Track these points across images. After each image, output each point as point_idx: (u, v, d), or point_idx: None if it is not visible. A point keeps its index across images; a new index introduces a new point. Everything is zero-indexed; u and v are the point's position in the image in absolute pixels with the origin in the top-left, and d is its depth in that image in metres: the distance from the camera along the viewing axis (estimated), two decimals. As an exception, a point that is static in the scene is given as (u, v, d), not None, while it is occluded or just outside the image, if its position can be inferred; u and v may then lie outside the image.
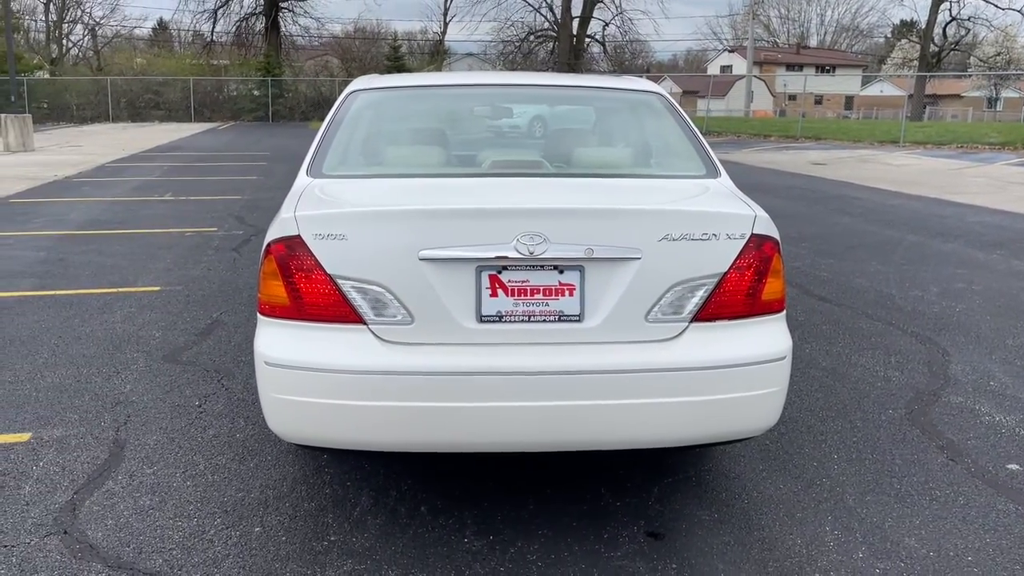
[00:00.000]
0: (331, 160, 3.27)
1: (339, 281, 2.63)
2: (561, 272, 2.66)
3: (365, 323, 2.65)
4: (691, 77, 68.87)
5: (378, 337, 2.65)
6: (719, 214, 2.77)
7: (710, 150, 3.47)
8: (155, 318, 5.62)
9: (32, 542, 2.84)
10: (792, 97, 67.68)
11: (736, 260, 2.74)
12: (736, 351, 2.72)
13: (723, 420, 2.73)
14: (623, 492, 3.25)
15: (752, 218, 2.77)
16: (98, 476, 3.32)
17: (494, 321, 2.65)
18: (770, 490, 3.30)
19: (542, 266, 2.65)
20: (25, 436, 3.69)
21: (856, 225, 10.09)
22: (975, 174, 16.92)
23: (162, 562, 2.74)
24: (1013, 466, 3.53)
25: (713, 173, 3.32)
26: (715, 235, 2.72)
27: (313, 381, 2.61)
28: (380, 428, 2.63)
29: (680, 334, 2.72)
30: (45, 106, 38.83)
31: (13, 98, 20.70)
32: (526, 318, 2.66)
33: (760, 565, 2.78)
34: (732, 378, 2.70)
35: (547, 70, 39.32)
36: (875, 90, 71.95)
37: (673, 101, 3.76)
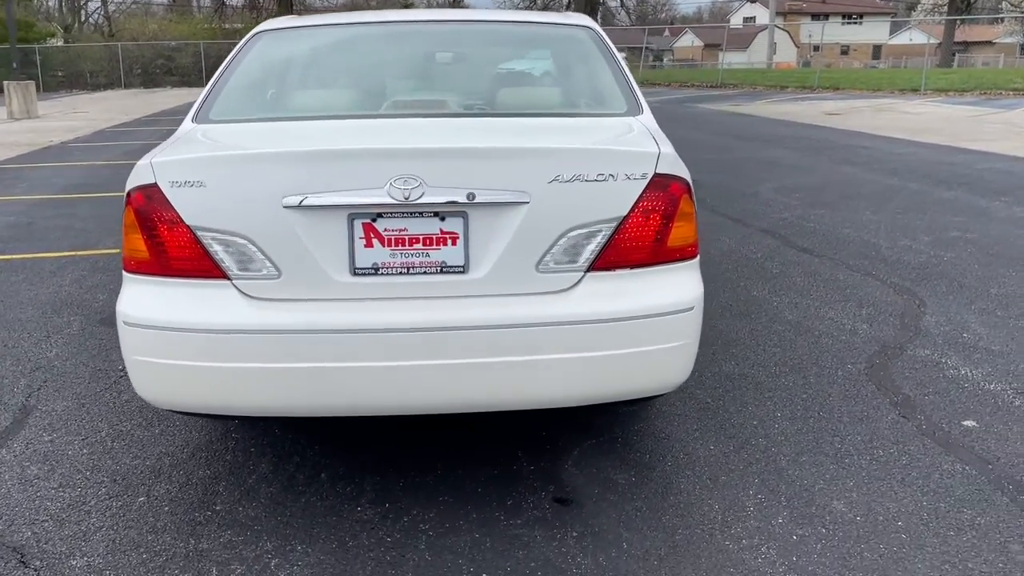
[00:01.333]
0: (221, 105, 3.04)
1: (199, 233, 2.42)
2: (443, 219, 2.43)
3: (228, 278, 2.44)
4: (713, 30, 67.40)
5: (243, 293, 2.44)
6: (616, 152, 2.52)
7: (635, 86, 3.20)
8: (105, 281, 5.47)
9: (-99, 515, 2.70)
10: (817, 48, 66.15)
11: (637, 203, 2.49)
12: (637, 302, 2.48)
13: (625, 377, 2.51)
14: (540, 455, 3.05)
15: (655, 156, 2.52)
16: (-7, 444, 3.18)
17: (369, 274, 2.44)
18: (699, 451, 3.08)
19: (421, 213, 2.42)
20: (-68, 403, 3.55)
21: (857, 174, 9.72)
22: (994, 121, 16.34)
23: (30, 535, 2.59)
24: (969, 422, 3.28)
25: (635, 111, 3.07)
26: (612, 176, 2.47)
27: (174, 341, 2.42)
28: (249, 392, 2.43)
29: (575, 284, 2.49)
30: (60, 74, 38.79)
31: (15, 65, 20.56)
32: (405, 270, 2.45)
33: (668, 533, 2.57)
34: (633, 331, 2.47)
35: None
36: (904, 39, 70.01)
37: (603, 35, 3.48)
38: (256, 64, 3.31)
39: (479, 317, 2.41)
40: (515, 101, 3.17)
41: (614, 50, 3.41)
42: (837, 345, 4.14)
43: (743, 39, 63.98)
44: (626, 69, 3.30)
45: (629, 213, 2.49)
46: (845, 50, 73.35)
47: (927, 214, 7.33)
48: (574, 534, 2.57)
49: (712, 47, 58.62)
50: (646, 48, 53.00)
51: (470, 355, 2.40)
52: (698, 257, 2.67)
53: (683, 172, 2.58)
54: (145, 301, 2.47)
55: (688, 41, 75.52)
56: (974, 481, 2.84)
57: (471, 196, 2.39)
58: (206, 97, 3.08)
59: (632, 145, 2.58)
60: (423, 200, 2.38)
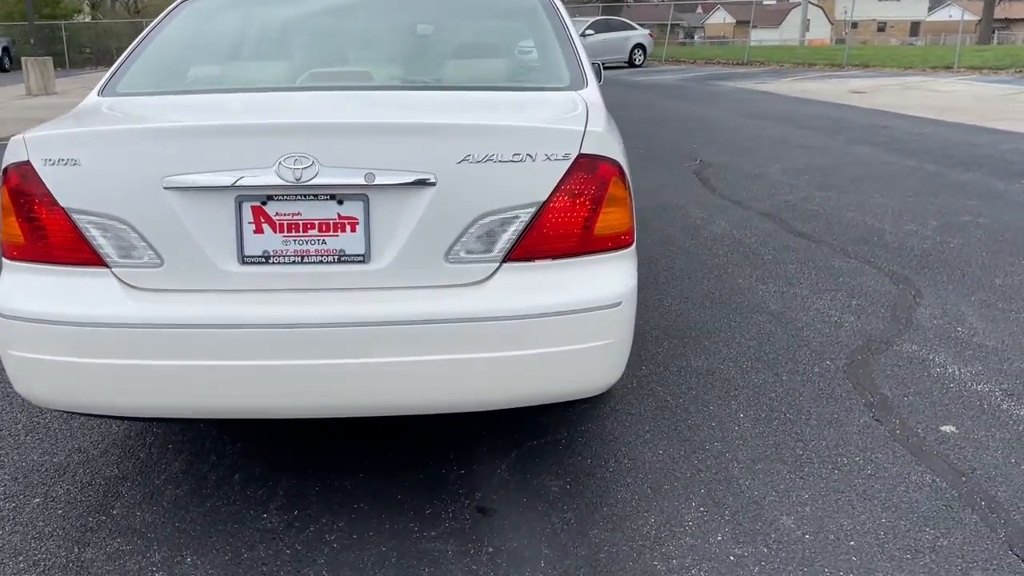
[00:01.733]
0: (131, 77, 2.83)
1: (75, 216, 2.21)
2: (340, 203, 2.20)
3: (108, 266, 2.23)
4: (745, 7, 66.15)
5: (123, 283, 2.23)
6: (535, 130, 2.27)
7: (583, 57, 2.93)
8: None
9: None
10: (854, 25, 64.69)
11: (559, 186, 2.24)
12: (558, 296, 2.24)
13: (541, 380, 2.27)
14: (474, 457, 2.82)
15: (579, 134, 2.26)
16: (-100, 436, 3.02)
17: (259, 262, 2.22)
18: (646, 455, 2.84)
19: (316, 196, 2.19)
20: None
21: (873, 155, 9.32)
22: (1026, 99, 15.72)
23: (-93, 539, 2.41)
24: (947, 427, 3.00)
25: (579, 84, 2.80)
26: (530, 156, 2.22)
27: (50, 335, 2.22)
28: (131, 392, 2.23)
29: (489, 277, 2.25)
30: (87, 51, 38.90)
31: (32, 41, 20.55)
32: (299, 259, 2.22)
33: (593, 550, 2.34)
34: (551, 329, 2.22)
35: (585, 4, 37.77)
36: (943, 15, 68.22)
37: (555, 2, 3.21)
38: (178, 32, 3.08)
39: (379, 312, 2.18)
40: (449, 73, 2.92)
41: (566, 19, 3.14)
42: (819, 339, 3.86)
43: (775, 16, 62.77)
44: (576, 39, 3.03)
45: (550, 198, 2.24)
46: (882, 27, 71.74)
47: (939, 197, 6.96)
48: (489, 550, 2.35)
49: (744, 24, 57.46)
50: (676, 25, 52.15)
51: (367, 354, 2.17)
52: (633, 247, 2.42)
53: (614, 153, 2.32)
54: (20, 291, 2.27)
55: (720, 18, 74.27)
56: (943, 495, 2.58)
57: (370, 177, 2.15)
58: (117, 68, 2.86)
59: (555, 122, 2.32)
60: (316, 181, 2.15)
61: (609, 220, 2.32)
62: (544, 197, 2.24)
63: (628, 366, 3.53)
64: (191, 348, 2.17)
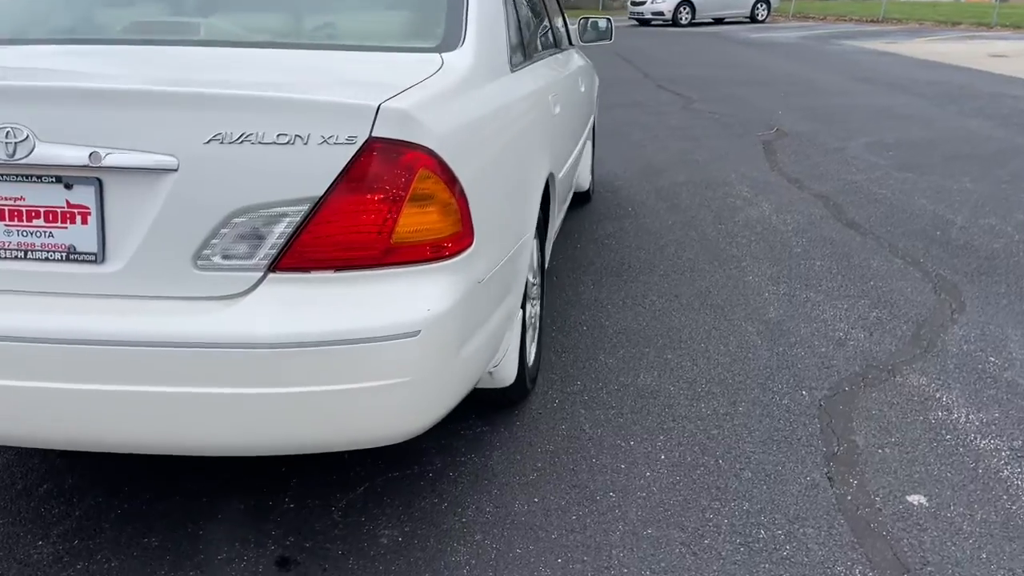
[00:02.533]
0: None
1: None
2: (69, 187, 1.77)
3: None
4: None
5: None
6: (306, 104, 1.76)
7: (470, 11, 2.38)
8: None
9: None
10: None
11: (342, 178, 1.74)
12: (331, 320, 1.75)
13: (305, 425, 1.79)
14: (315, 489, 2.39)
15: (370, 112, 1.74)
16: None
17: (-23, 256, 1.82)
18: (517, 504, 2.33)
19: (39, 177, 1.77)
20: None
21: (983, 130, 8.21)
22: None
23: None
24: (916, 498, 2.35)
25: (452, 43, 2.26)
26: (301, 137, 1.73)
27: None
28: None
29: (250, 289, 1.78)
30: None
31: None
32: (21, 254, 1.81)
33: (379, 635, 1.87)
34: (317, 361, 1.74)
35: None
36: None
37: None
38: None
39: (106, 330, 1.74)
40: (305, 27, 2.43)
41: None
42: (807, 359, 3.20)
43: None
44: None
45: (329, 192, 1.75)
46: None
47: (1040, 185, 5.97)
48: (256, 620, 1.91)
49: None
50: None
51: (92, 379, 1.74)
52: (456, 259, 1.89)
53: (425, 138, 1.79)
54: None
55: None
56: (866, 602, 1.97)
57: (96, 157, 1.71)
58: None
59: (340, 94, 1.80)
60: (33, 159, 1.72)
61: (416, 224, 1.80)
62: (321, 192, 1.75)
63: (561, 379, 3.01)
64: None
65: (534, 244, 2.70)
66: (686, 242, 4.65)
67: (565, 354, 3.25)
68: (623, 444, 2.63)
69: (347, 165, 1.74)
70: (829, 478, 2.44)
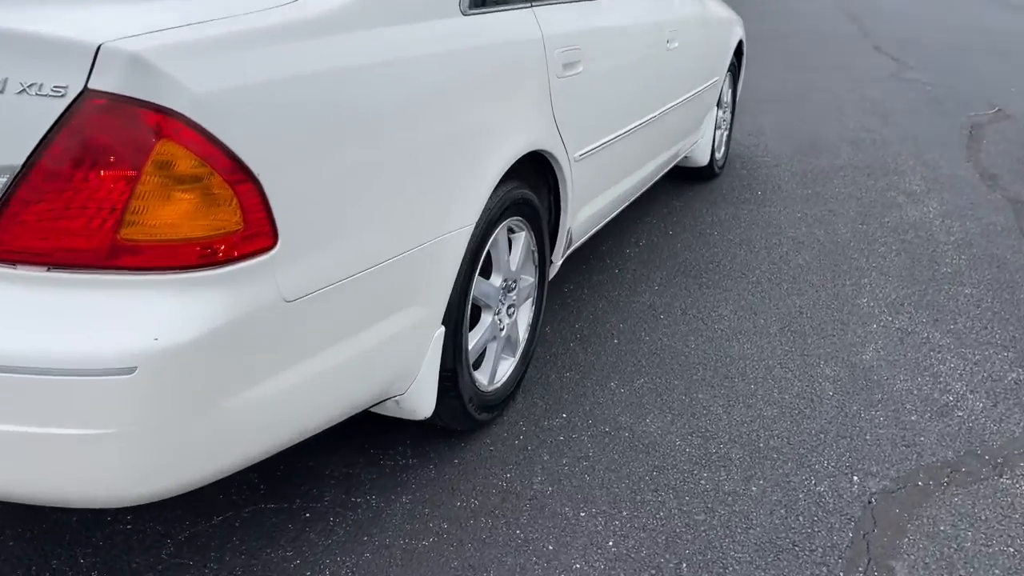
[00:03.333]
0: None
1: None
2: None
3: None
4: None
5: None
6: (3, 35, 1.26)
7: None
8: None
9: None
10: None
11: (48, 142, 1.25)
12: (27, 339, 1.28)
13: (-5, 467, 1.34)
14: (158, 518, 1.97)
15: (90, 52, 1.23)
16: None
17: None
18: (381, 581, 1.79)
19: None
20: None
21: None
22: None
23: None
24: None
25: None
26: (-5, 83, 1.25)
27: None
28: None
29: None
30: None
31: None
32: None
33: None
34: (8, 391, 1.28)
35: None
36: None
37: None
38: None
39: None
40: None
41: None
42: (883, 430, 2.39)
43: None
44: None
45: (32, 161, 1.26)
46: None
47: None
48: None
49: None
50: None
51: None
52: (235, 267, 1.35)
53: (173, 96, 1.26)
54: None
55: None
56: None
57: None
58: None
59: (56, 24, 1.28)
60: None
61: (161, 216, 1.29)
62: (21, 159, 1.26)
63: (546, 407, 2.41)
64: None
65: (488, 242, 2.09)
66: (806, 243, 3.79)
67: (570, 373, 2.63)
68: (570, 514, 2.01)
69: (53, 125, 1.24)
70: None
